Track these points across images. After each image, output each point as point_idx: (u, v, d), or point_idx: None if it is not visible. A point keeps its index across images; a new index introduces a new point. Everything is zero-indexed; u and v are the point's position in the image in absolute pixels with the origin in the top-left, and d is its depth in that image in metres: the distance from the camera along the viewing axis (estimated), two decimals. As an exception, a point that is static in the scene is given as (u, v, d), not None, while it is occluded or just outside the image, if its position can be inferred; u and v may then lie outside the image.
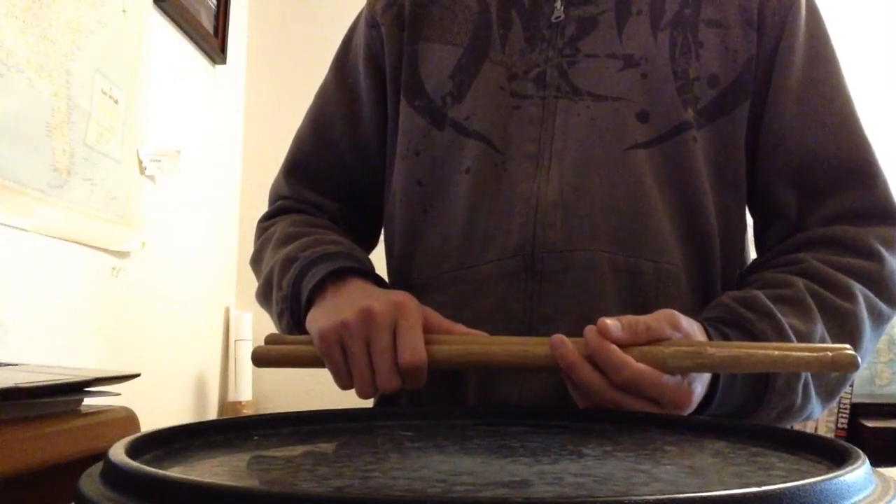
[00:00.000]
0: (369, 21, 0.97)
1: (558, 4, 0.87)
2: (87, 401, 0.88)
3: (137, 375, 0.92)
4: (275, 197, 1.04)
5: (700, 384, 0.71)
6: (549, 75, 0.85)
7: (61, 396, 0.83)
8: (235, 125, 2.74)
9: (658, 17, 0.85)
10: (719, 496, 0.38)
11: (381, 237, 1.02)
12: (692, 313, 0.79)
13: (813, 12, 0.88)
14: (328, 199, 1.00)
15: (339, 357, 0.74)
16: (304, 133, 1.03)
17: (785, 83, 0.85)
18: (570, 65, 0.85)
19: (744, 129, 0.85)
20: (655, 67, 0.84)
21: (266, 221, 1.01)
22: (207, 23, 2.39)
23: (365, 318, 0.73)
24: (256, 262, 0.97)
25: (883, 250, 0.81)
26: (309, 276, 0.82)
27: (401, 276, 0.92)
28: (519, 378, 0.81)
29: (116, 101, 1.77)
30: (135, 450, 0.51)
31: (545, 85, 0.85)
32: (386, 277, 0.93)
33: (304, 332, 0.81)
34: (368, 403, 0.93)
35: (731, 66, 0.84)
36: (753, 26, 0.85)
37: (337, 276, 0.81)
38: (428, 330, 0.74)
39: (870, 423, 2.46)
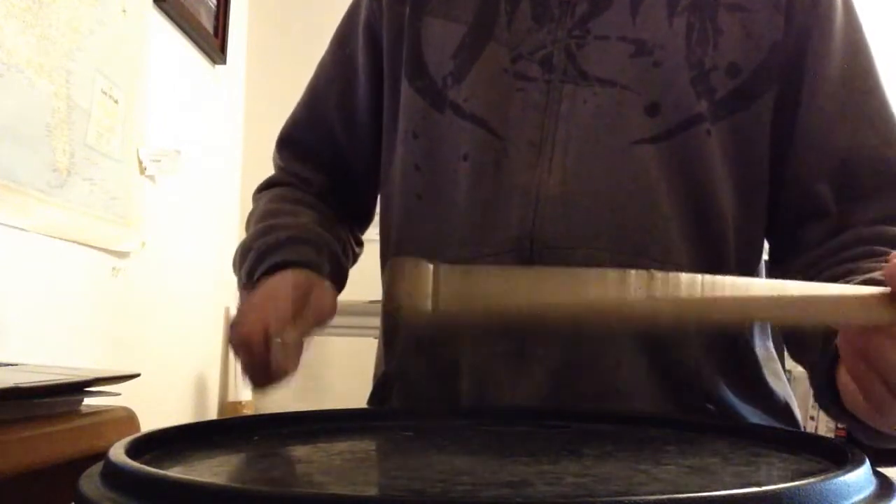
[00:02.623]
0: None
1: None
2: (87, 401, 0.88)
3: (137, 375, 0.92)
4: (274, 164, 1.03)
5: None
6: (555, 57, 0.80)
7: (61, 396, 0.83)
8: (235, 125, 2.74)
9: (676, 0, 0.80)
10: (719, 496, 0.38)
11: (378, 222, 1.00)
12: None
13: (848, 2, 0.83)
14: (317, 173, 0.97)
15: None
16: (299, 104, 1.01)
17: (824, 74, 0.80)
18: (579, 47, 0.80)
19: (768, 119, 0.80)
20: (669, 56, 0.79)
21: (258, 193, 1.00)
22: (207, 23, 2.39)
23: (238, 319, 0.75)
24: (245, 228, 0.96)
25: None
26: (256, 273, 0.83)
27: None
28: (512, 379, 0.79)
29: (116, 101, 1.77)
30: (135, 450, 0.51)
31: (551, 68, 0.80)
32: (379, 264, 0.92)
33: None
34: (364, 403, 0.93)
35: (754, 54, 0.79)
36: (781, 9, 0.79)
37: (272, 271, 0.81)
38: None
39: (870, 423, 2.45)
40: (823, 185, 0.80)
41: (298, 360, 0.73)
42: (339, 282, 0.86)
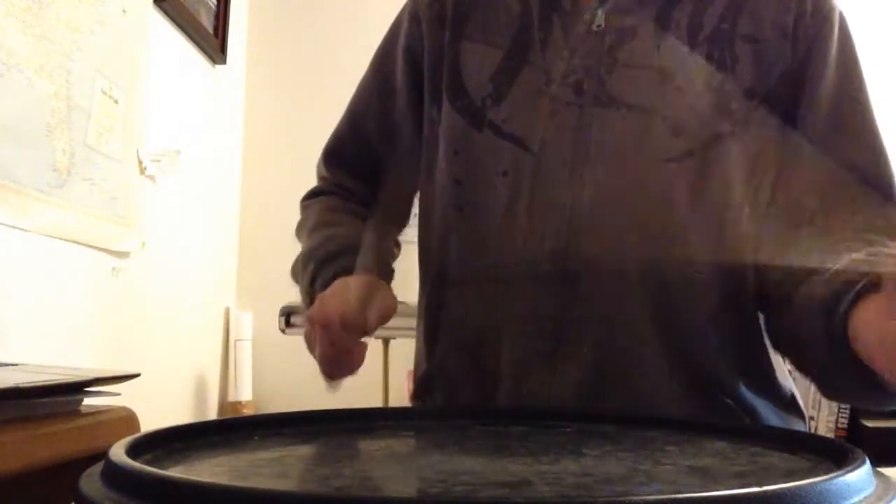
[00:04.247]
0: (412, 15, 0.99)
1: (600, 13, 0.88)
2: (87, 401, 0.88)
3: (137, 375, 0.92)
4: (317, 175, 1.10)
5: None
6: (586, 83, 0.87)
7: (61, 396, 0.84)
8: (235, 125, 2.74)
9: (696, 31, 0.87)
10: (719, 496, 0.38)
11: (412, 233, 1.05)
12: (720, 319, 0.84)
13: (844, 31, 0.90)
14: (360, 183, 1.05)
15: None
16: (342, 120, 1.07)
17: (817, 99, 0.87)
18: (608, 73, 0.87)
19: (775, 139, 0.87)
20: (691, 82, 0.85)
21: (307, 201, 1.07)
22: (207, 23, 2.39)
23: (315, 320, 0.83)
24: (297, 235, 1.04)
25: None
26: (318, 280, 0.91)
27: (435, 272, 0.95)
28: (548, 377, 0.84)
29: (116, 101, 1.77)
30: (135, 450, 0.51)
31: (583, 92, 0.87)
32: (417, 269, 0.99)
33: None
34: (378, 403, 0.94)
35: (766, 80, 0.86)
36: (788, 37, 0.86)
37: (336, 277, 0.89)
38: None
39: (870, 423, 2.45)
40: (812, 200, 0.86)
41: (365, 351, 0.81)
42: (389, 282, 0.94)
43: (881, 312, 0.63)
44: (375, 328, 0.81)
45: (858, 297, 0.68)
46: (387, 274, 0.93)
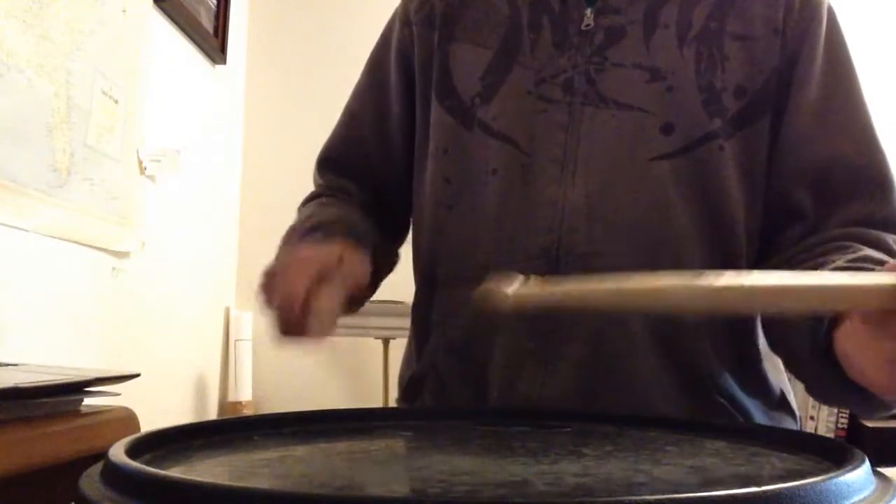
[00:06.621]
0: (403, 19, 1.00)
1: (588, 13, 0.88)
2: (87, 401, 0.88)
3: (137, 375, 0.92)
4: (314, 182, 1.09)
5: None
6: (576, 81, 0.87)
7: (61, 396, 0.84)
8: (235, 125, 2.74)
9: (685, 30, 0.86)
10: (719, 496, 0.38)
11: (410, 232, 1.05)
12: (713, 318, 0.83)
13: (834, 26, 0.90)
14: (357, 186, 1.04)
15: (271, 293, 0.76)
16: (336, 127, 1.07)
17: (805, 93, 0.87)
18: (598, 72, 0.87)
19: (767, 137, 0.87)
20: (681, 81, 0.85)
21: (303, 206, 1.05)
22: (207, 23, 2.39)
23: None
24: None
25: None
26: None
27: (426, 272, 0.94)
28: (540, 376, 0.84)
29: (116, 101, 1.77)
30: (135, 450, 0.51)
31: (573, 91, 0.87)
32: (412, 273, 0.98)
33: None
34: (378, 403, 0.94)
35: (758, 77, 0.86)
36: (778, 34, 0.86)
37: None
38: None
39: (870, 423, 2.45)
40: (803, 193, 0.87)
41: (335, 322, 0.74)
42: (374, 261, 0.87)
43: (862, 336, 0.61)
44: (340, 300, 0.75)
45: (838, 318, 0.66)
46: (367, 246, 0.86)
